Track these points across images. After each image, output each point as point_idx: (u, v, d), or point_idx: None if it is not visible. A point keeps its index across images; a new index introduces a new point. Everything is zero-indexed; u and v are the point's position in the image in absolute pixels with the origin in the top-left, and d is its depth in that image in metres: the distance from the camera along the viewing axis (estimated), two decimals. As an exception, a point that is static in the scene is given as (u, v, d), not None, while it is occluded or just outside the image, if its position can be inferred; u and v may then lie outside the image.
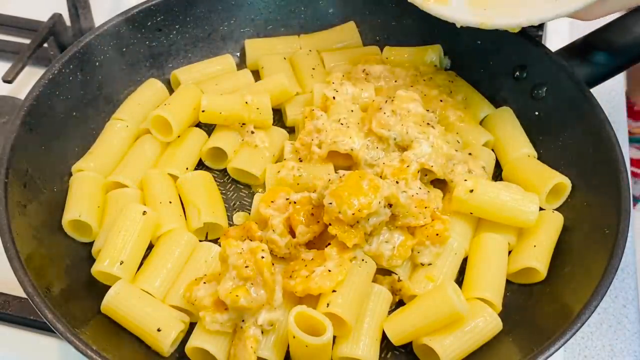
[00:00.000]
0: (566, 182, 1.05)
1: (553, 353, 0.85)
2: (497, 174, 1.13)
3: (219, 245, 0.99)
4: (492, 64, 1.19)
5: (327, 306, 0.88)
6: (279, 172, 1.06)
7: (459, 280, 1.00)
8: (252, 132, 1.13)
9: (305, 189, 1.03)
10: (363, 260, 0.95)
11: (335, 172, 1.04)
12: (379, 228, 0.95)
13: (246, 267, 0.87)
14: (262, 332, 0.90)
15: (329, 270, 0.91)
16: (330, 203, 0.91)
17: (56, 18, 1.36)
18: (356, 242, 0.92)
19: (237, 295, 0.87)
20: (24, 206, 0.97)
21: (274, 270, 0.89)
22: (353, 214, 0.90)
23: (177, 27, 1.22)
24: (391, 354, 0.96)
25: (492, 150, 1.13)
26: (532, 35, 1.17)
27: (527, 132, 1.13)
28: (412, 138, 1.05)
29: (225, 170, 1.13)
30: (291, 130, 1.18)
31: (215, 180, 1.11)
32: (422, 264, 0.98)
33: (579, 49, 1.12)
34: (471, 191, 1.00)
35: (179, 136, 1.12)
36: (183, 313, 0.94)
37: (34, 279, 0.88)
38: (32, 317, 1.00)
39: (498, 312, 0.94)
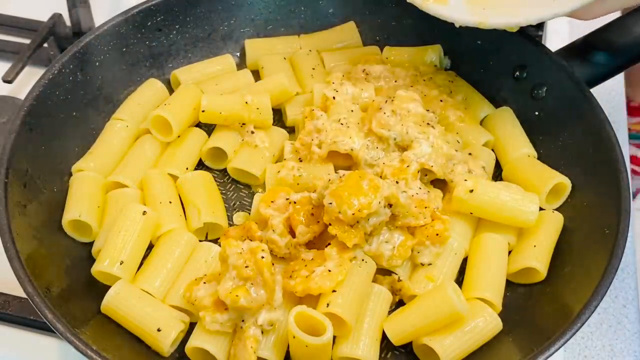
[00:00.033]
0: (566, 182, 1.05)
1: (553, 353, 0.85)
2: (497, 174, 1.13)
3: (219, 245, 0.99)
4: (492, 64, 1.19)
5: (327, 306, 0.88)
6: (279, 172, 1.07)
7: (459, 280, 1.00)
8: (252, 132, 1.13)
9: (305, 189, 1.03)
10: (363, 260, 0.95)
11: (335, 172, 1.04)
12: (379, 228, 0.95)
13: (246, 267, 0.87)
14: (262, 332, 0.90)
15: (329, 270, 0.91)
16: (330, 203, 0.91)
17: (56, 18, 1.36)
18: (356, 242, 0.92)
19: (237, 295, 0.87)
20: (24, 206, 0.97)
21: (274, 270, 0.89)
22: (353, 214, 0.90)
23: (177, 27, 1.22)
24: (391, 354, 0.96)
25: (492, 150, 1.13)
26: (532, 35, 1.17)
27: (527, 132, 1.13)
28: (412, 138, 1.05)
29: (225, 170, 1.13)
30: (291, 130, 1.18)
31: (215, 180, 1.11)
32: (422, 264, 0.98)
33: (579, 49, 1.12)
34: (471, 191, 1.00)
35: (179, 136, 1.12)
36: (183, 313, 0.94)
37: (34, 279, 0.88)
38: (32, 317, 1.00)
39: (498, 312, 0.94)
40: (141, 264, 0.99)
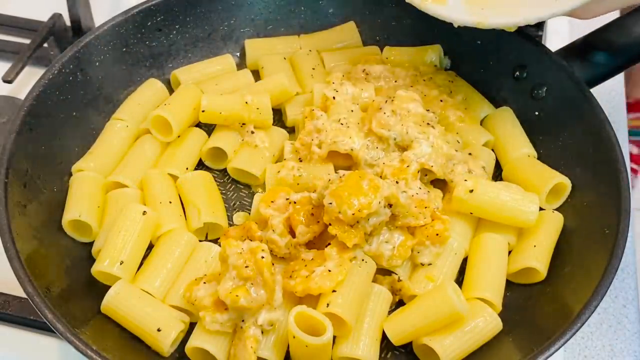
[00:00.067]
0: (566, 182, 1.05)
1: (553, 353, 0.85)
2: (497, 174, 1.13)
3: (219, 245, 0.99)
4: (492, 64, 1.19)
5: (327, 306, 0.88)
6: (279, 172, 1.07)
7: (459, 280, 1.00)
8: (252, 132, 1.13)
9: (305, 189, 1.03)
10: (363, 260, 0.95)
11: (335, 172, 1.04)
12: (379, 228, 0.95)
13: (246, 267, 0.87)
14: (262, 332, 0.90)
15: (329, 270, 0.91)
16: (330, 203, 0.91)
17: (56, 18, 1.36)
18: (356, 242, 0.92)
19: (237, 295, 0.87)
20: (24, 206, 0.97)
21: (274, 270, 0.89)
22: (353, 214, 0.90)
23: (177, 27, 1.22)
24: (391, 354, 0.96)
25: (492, 150, 1.13)
26: (532, 35, 1.17)
27: (527, 132, 1.13)
28: (412, 138, 1.05)
29: (225, 170, 1.13)
30: (291, 130, 1.18)
31: (215, 180, 1.11)
32: (422, 264, 0.98)
33: (579, 49, 1.12)
34: (471, 191, 1.00)
35: (179, 136, 1.12)
36: (183, 313, 0.94)
37: (34, 279, 0.88)
38: (32, 317, 1.00)
39: (498, 312, 0.94)
40: (141, 264, 0.99)
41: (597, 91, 1.09)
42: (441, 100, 1.15)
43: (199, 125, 1.16)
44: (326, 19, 1.29)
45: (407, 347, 0.95)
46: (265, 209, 0.99)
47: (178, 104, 1.13)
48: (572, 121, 1.09)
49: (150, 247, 1.01)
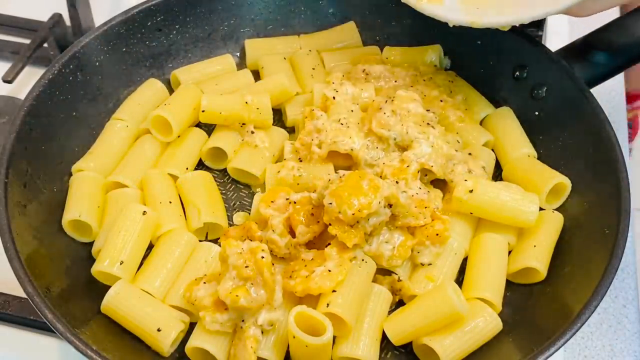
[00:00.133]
0: (566, 182, 1.05)
1: (553, 353, 0.85)
2: (497, 174, 1.13)
3: (219, 245, 0.99)
4: (492, 64, 1.19)
5: (327, 306, 0.88)
6: (279, 172, 1.07)
7: (459, 280, 1.00)
8: (252, 132, 1.13)
9: (305, 189, 1.03)
10: (363, 260, 0.95)
11: (335, 172, 1.04)
12: (379, 228, 0.95)
13: (246, 267, 0.87)
14: (262, 332, 0.90)
15: (329, 270, 0.91)
16: (330, 203, 0.91)
17: (56, 18, 1.36)
18: (356, 242, 0.92)
19: (237, 295, 0.87)
20: (24, 206, 0.97)
21: (274, 270, 0.89)
22: (353, 214, 0.90)
23: (177, 27, 1.22)
24: (391, 354, 0.96)
25: (492, 150, 1.13)
26: (532, 35, 1.17)
27: (527, 132, 1.13)
28: (412, 138, 1.05)
29: (225, 170, 1.13)
30: (291, 130, 1.18)
31: (215, 180, 1.11)
32: (422, 264, 0.98)
33: (579, 49, 1.12)
34: (471, 191, 1.00)
35: (179, 136, 1.12)
36: (183, 313, 0.94)
37: (34, 279, 0.88)
38: (32, 317, 1.00)
39: (498, 312, 0.94)
40: (141, 264, 0.99)
41: (597, 91, 1.09)
42: (441, 100, 1.15)
43: (199, 125, 1.16)
44: (326, 19, 1.29)
45: (407, 347, 0.95)
46: (265, 209, 0.99)
47: (178, 104, 1.13)
48: (572, 121, 1.09)
49: (150, 247, 1.01)
